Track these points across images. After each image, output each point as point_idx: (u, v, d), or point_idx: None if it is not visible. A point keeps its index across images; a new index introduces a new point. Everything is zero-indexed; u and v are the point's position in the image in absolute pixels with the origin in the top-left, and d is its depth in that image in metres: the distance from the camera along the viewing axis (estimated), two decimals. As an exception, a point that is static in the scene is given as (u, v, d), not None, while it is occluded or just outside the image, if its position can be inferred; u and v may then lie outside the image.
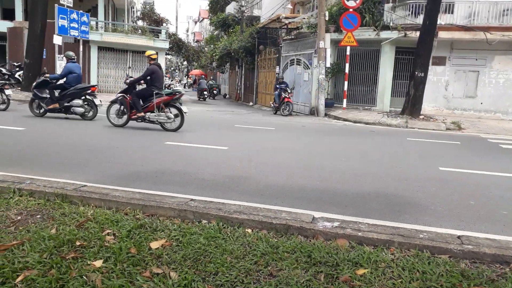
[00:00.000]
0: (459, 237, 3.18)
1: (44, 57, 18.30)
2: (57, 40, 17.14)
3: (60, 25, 17.20)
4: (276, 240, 3.06)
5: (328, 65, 16.09)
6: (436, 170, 6.19)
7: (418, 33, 14.50)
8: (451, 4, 16.09)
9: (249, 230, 3.24)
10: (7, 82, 11.18)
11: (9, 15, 24.07)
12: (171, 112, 9.22)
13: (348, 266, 2.65)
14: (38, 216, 3.36)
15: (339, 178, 5.42)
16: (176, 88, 10.63)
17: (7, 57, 23.10)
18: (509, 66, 16.34)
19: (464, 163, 6.89)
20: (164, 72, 21.38)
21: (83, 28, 18.75)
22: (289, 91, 16.40)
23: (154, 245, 2.84)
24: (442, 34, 15.61)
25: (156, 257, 2.68)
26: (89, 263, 2.53)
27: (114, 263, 2.54)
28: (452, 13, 16.04)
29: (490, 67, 16.52)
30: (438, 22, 14.28)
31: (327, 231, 3.19)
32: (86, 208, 3.58)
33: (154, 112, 9.21)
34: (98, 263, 2.52)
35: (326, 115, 15.51)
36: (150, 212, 3.56)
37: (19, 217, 3.31)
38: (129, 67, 23.37)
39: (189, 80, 51.85)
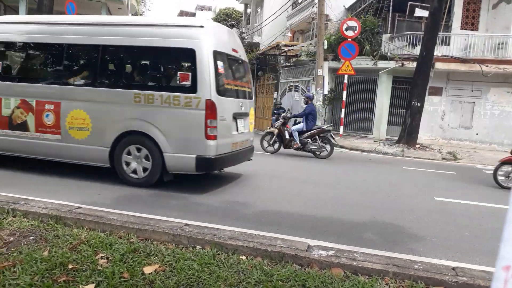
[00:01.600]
0: (453, 268, 3.17)
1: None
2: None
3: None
4: (270, 268, 3.04)
5: (325, 92, 16.29)
6: (432, 200, 6.20)
7: (415, 64, 14.77)
8: (448, 36, 16.47)
9: (244, 257, 3.22)
10: None
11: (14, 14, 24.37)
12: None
13: (342, 297, 2.63)
14: (31, 237, 3.34)
15: (335, 206, 5.41)
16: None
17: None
18: (504, 98, 16.59)
19: (460, 194, 6.90)
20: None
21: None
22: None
23: (148, 270, 2.82)
24: (439, 65, 15.90)
25: (149, 282, 2.65)
26: (81, 286, 2.50)
27: (106, 287, 2.51)
28: (448, 45, 16.39)
29: (485, 98, 16.76)
30: (434, 53, 14.57)
31: (322, 260, 3.18)
32: (79, 230, 3.55)
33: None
34: (90, 287, 2.50)
35: (323, 141, 15.59)
36: (144, 236, 3.54)
37: (11, 238, 3.28)
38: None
39: None
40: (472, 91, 16.79)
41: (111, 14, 27.69)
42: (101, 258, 2.97)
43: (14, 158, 6.30)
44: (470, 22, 17.30)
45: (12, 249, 3.05)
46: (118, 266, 2.82)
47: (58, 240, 3.27)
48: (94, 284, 2.54)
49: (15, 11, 24.17)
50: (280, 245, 3.38)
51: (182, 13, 78.51)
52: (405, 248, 3.83)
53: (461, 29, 17.03)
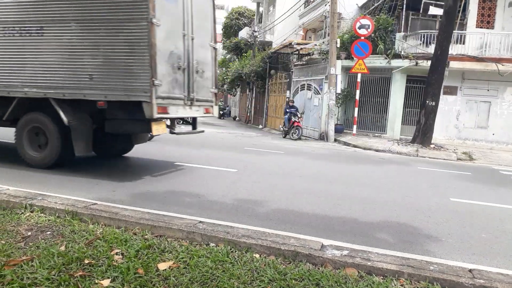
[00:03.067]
0: (470, 270, 3.12)
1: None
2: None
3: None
4: (284, 266, 3.04)
5: (338, 91, 16.19)
6: (447, 200, 6.12)
7: (429, 62, 14.58)
8: (463, 34, 16.22)
9: (257, 255, 3.22)
10: None
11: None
12: None
13: (357, 296, 2.61)
14: (48, 232, 3.39)
15: (349, 205, 5.38)
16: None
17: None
18: (522, 98, 16.31)
19: (476, 195, 6.80)
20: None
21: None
22: (299, 115, 16.49)
23: (162, 266, 2.84)
24: (454, 64, 15.67)
25: (164, 278, 2.67)
26: (96, 281, 2.53)
27: (121, 282, 2.54)
28: (463, 43, 16.14)
29: (502, 98, 16.48)
30: (449, 52, 14.37)
31: (336, 260, 3.16)
32: (95, 226, 3.60)
33: None
34: (106, 282, 2.52)
35: (335, 140, 15.51)
36: (159, 233, 3.56)
37: (29, 233, 3.34)
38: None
39: None
40: (488, 90, 16.52)
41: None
42: (116, 254, 3.00)
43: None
44: (486, 20, 17.01)
45: (30, 244, 3.10)
46: (133, 262, 2.84)
47: (74, 235, 3.32)
48: (110, 279, 2.57)
49: None
50: (293, 244, 3.37)
51: (194, 12, 78.76)
52: (421, 249, 3.79)
53: (476, 27, 16.76)
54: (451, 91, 16.85)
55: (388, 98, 17.34)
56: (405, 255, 3.47)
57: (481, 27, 16.82)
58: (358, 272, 3.04)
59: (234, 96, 38.58)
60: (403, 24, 17.38)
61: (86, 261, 2.80)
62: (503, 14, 16.81)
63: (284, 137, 16.99)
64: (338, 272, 3.01)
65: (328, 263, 3.15)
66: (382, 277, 2.98)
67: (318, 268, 3.07)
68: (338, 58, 16.06)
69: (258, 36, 29.41)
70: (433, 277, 2.95)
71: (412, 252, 3.65)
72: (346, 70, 16.95)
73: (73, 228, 3.49)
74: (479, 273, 3.06)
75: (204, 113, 7.15)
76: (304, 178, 7.20)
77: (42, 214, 3.80)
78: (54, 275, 2.57)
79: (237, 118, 35.19)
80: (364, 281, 2.87)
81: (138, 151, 8.85)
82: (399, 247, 3.75)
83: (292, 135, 16.33)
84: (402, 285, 2.88)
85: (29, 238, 3.23)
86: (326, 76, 16.11)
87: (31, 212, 3.83)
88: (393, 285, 2.85)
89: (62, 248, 3.02)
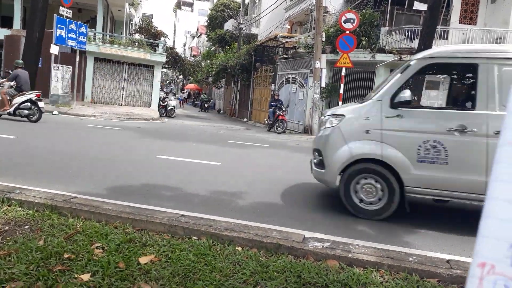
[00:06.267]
0: (448, 261, 3.19)
1: (40, 65, 18.29)
2: (54, 49, 17.16)
3: (57, 35, 17.24)
4: (266, 259, 3.05)
5: (323, 85, 16.26)
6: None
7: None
8: (446, 30, 16.45)
9: (239, 248, 3.22)
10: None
11: (7, 23, 24.10)
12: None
13: (338, 287, 2.65)
14: (26, 226, 3.32)
15: (332, 198, 5.43)
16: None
17: (2, 65, 23.05)
18: (501, 93, 16.65)
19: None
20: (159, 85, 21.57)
21: (80, 38, 18.81)
22: (283, 109, 16.54)
23: (143, 260, 2.82)
24: (436, 59, 15.89)
25: (145, 272, 2.65)
26: (76, 276, 2.49)
27: (102, 277, 2.51)
28: (446, 39, 16.37)
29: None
30: (433, 47, 14.56)
31: (317, 252, 3.19)
32: (75, 220, 3.54)
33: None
34: (86, 277, 2.49)
35: (319, 134, 15.62)
36: (140, 227, 3.53)
37: (6, 227, 3.27)
38: (125, 79, 23.38)
39: (182, 94, 51.78)
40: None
41: (107, 4, 27.45)
42: (97, 248, 2.96)
43: (7, 149, 6.26)
44: (469, 16, 17.27)
45: (8, 238, 3.03)
46: (114, 256, 2.81)
47: (53, 229, 3.26)
48: (90, 274, 2.54)
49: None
50: (275, 237, 3.39)
51: (179, 3, 77.94)
52: (400, 240, 3.84)
53: (459, 23, 17.01)
54: (434, 86, 17.10)
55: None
56: (385, 246, 3.52)
57: (464, 23, 17.08)
58: (339, 264, 3.07)
59: (219, 89, 38.41)
60: (388, 19, 17.53)
61: (66, 256, 2.76)
62: (486, 10, 17.10)
63: (269, 130, 17.02)
64: (320, 264, 3.03)
65: (310, 255, 3.18)
66: (362, 269, 3.03)
67: (300, 260, 3.09)
68: (323, 52, 16.11)
69: (243, 29, 29.26)
70: (412, 268, 3.00)
71: (392, 243, 3.70)
72: (331, 64, 17.02)
73: (52, 222, 3.43)
74: (456, 264, 3.13)
75: None
76: (288, 171, 7.23)
77: (20, 208, 3.71)
78: (32, 270, 2.52)
79: (222, 111, 35.08)
80: (345, 272, 2.91)
81: (119, 143, 8.75)
82: (379, 239, 3.80)
83: (276, 129, 16.37)
84: (382, 276, 2.93)
85: (6, 232, 3.17)
86: (311, 69, 16.16)
87: (9, 206, 3.74)
88: (373, 276, 2.90)
89: (41, 242, 2.96)
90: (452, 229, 4.41)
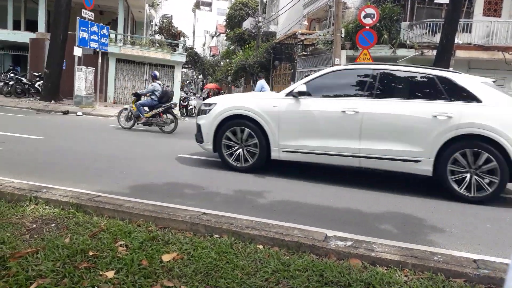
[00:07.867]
0: (475, 261, 3.11)
1: (64, 67, 18.73)
2: (77, 51, 17.54)
3: (80, 37, 17.61)
4: (287, 257, 3.04)
5: (343, 81, 16.10)
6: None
7: (435, 52, 14.44)
8: (469, 23, 16.03)
9: (261, 246, 3.22)
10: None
11: (32, 26, 24.77)
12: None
13: (361, 287, 2.61)
14: (53, 224, 3.40)
15: (353, 196, 5.37)
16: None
17: (28, 67, 23.71)
18: (529, 87, 16.13)
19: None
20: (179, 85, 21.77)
21: (102, 40, 19.16)
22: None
23: (166, 258, 2.85)
24: (460, 53, 15.51)
25: (168, 270, 2.68)
26: (101, 273, 2.54)
27: (125, 274, 2.55)
28: (470, 32, 15.96)
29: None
30: (455, 41, 14.21)
31: (339, 250, 3.15)
32: (99, 218, 3.61)
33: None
34: (110, 274, 2.54)
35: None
36: (163, 225, 3.57)
37: (34, 225, 3.36)
38: (146, 80, 23.71)
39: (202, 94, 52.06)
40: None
41: (128, 5, 27.87)
42: (121, 245, 3.01)
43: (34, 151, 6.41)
44: (493, 8, 16.78)
45: (35, 236, 3.12)
46: (137, 253, 2.85)
47: (78, 227, 3.33)
48: (114, 271, 2.58)
49: (35, 2, 24.47)
50: (297, 235, 3.37)
51: (198, 3, 78.44)
52: (425, 239, 3.77)
53: (483, 15, 16.55)
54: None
55: (393, 88, 17.21)
56: (409, 245, 3.46)
57: (488, 15, 16.62)
58: (362, 263, 3.03)
59: (238, 87, 38.52)
60: (408, 13, 17.21)
61: (91, 253, 2.82)
62: (510, 2, 16.57)
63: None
64: (342, 263, 3.00)
65: (332, 254, 3.15)
66: (386, 268, 2.98)
67: (322, 259, 3.07)
68: (343, 48, 15.96)
69: (262, 27, 29.24)
70: (437, 268, 2.94)
71: (417, 242, 3.63)
72: (351, 60, 16.83)
73: (77, 220, 3.50)
74: (483, 263, 3.04)
75: None
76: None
77: (47, 207, 3.81)
78: (59, 267, 2.58)
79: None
80: (368, 271, 2.87)
81: (141, 142, 8.86)
82: (403, 238, 3.73)
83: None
84: (406, 276, 2.88)
85: (34, 230, 3.25)
86: (330, 66, 16.02)
87: (36, 204, 3.85)
88: (397, 275, 2.85)
89: (67, 240, 3.03)
90: (477, 228, 4.30)
